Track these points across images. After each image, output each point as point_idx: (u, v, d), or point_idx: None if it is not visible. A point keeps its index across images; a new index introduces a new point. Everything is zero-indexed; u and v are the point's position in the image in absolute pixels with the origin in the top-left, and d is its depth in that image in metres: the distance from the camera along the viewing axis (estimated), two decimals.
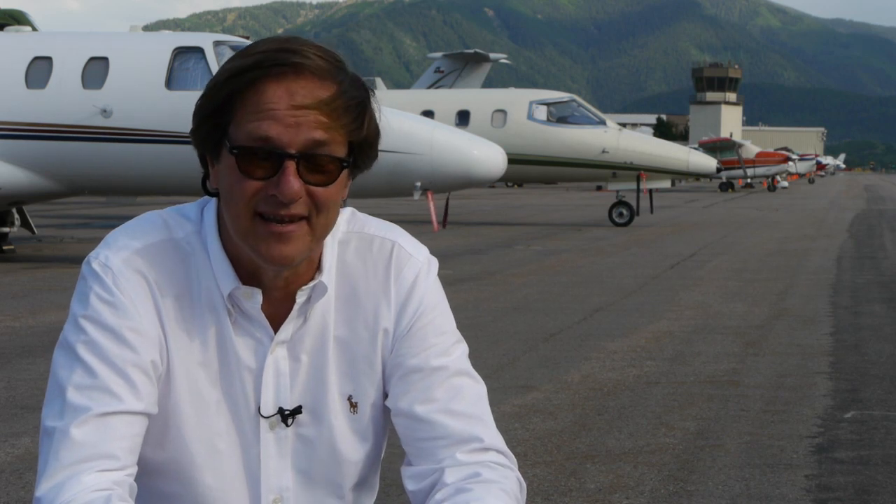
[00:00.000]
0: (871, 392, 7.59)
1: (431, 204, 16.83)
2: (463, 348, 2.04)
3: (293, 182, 1.82)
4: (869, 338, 9.91)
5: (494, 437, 1.98)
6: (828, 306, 12.00)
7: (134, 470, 1.86)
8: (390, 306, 2.00)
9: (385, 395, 2.03)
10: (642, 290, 13.39)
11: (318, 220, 1.87)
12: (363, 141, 1.90)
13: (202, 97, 1.90)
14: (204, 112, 1.89)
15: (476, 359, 2.07)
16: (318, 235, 1.90)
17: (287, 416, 1.97)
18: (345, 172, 1.89)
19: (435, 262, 2.07)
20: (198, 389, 1.94)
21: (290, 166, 1.82)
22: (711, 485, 5.38)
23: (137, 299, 1.90)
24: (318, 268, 1.97)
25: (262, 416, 1.96)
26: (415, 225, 20.20)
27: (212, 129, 1.88)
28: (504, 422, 6.35)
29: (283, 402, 1.97)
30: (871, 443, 6.23)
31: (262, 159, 1.83)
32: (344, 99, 1.85)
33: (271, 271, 1.92)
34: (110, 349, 1.86)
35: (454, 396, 1.98)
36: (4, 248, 17.05)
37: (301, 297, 1.95)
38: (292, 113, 1.82)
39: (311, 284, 1.95)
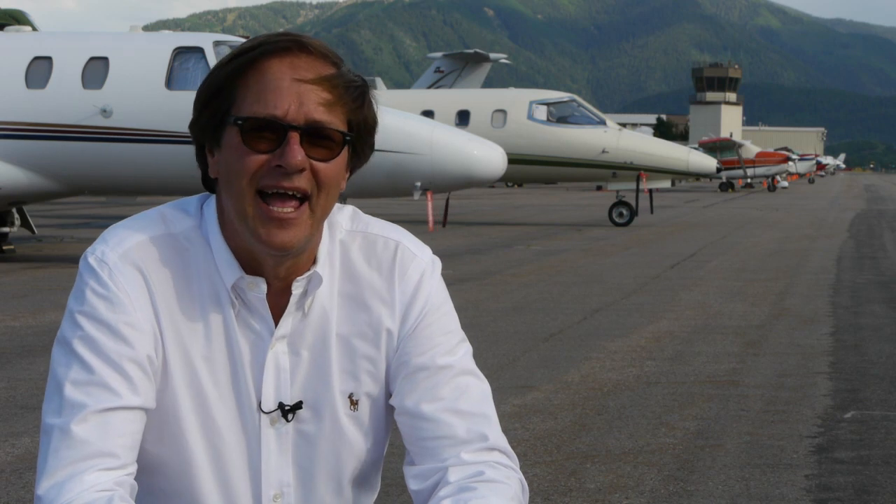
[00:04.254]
0: (871, 392, 7.59)
1: (430, 204, 16.84)
2: (467, 347, 2.05)
3: (297, 151, 1.84)
4: (869, 338, 9.91)
5: (499, 437, 1.99)
6: (828, 306, 12.00)
7: (134, 468, 1.86)
8: (395, 306, 2.01)
9: (388, 394, 2.03)
10: (642, 290, 13.39)
11: (319, 199, 1.89)
12: (362, 123, 1.92)
13: (202, 84, 1.91)
14: (205, 97, 1.90)
15: (476, 359, 2.07)
16: (318, 217, 1.91)
17: (287, 411, 1.97)
18: (345, 152, 1.90)
19: (438, 263, 2.08)
20: (198, 384, 1.94)
21: (295, 137, 1.85)
22: (711, 485, 5.38)
23: (133, 294, 1.90)
24: (315, 260, 1.98)
25: (263, 411, 1.96)
26: (414, 225, 20.21)
27: (213, 114, 1.89)
28: (504, 422, 6.31)
29: (283, 397, 1.97)
30: (871, 443, 6.23)
31: (267, 132, 1.85)
32: (345, 79, 1.88)
33: (271, 260, 1.92)
34: (106, 344, 1.86)
35: (460, 395, 1.98)
36: (4, 248, 17.05)
37: (297, 288, 1.95)
38: (296, 86, 1.85)
39: (306, 275, 1.96)
